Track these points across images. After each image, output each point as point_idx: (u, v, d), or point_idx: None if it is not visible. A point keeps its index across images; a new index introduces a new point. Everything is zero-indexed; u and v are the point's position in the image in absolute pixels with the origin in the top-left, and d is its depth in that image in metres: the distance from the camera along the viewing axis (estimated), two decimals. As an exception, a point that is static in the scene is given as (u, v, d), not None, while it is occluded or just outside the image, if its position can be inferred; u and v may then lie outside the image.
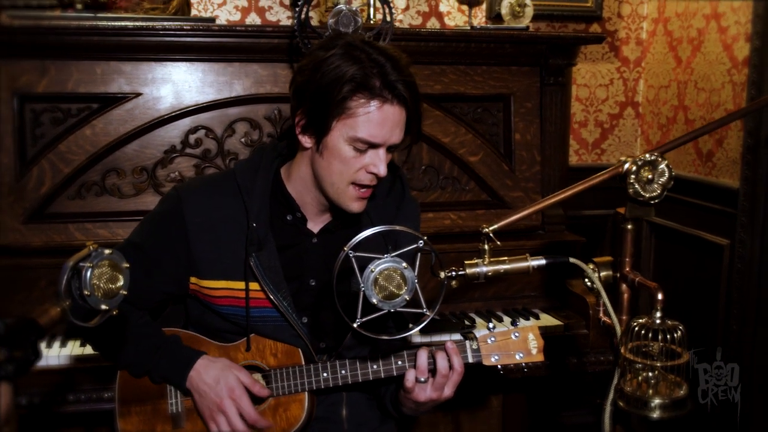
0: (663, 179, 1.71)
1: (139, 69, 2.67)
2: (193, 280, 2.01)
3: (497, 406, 3.17)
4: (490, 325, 2.00)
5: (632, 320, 1.70)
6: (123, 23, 2.58)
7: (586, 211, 3.74)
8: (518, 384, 3.06)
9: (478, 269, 1.71)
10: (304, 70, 1.89)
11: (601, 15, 3.71)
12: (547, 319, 2.81)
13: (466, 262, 1.72)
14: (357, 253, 1.64)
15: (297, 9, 2.44)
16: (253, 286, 1.97)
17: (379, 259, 1.65)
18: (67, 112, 2.65)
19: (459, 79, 2.95)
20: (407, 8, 3.54)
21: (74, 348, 2.43)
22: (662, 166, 1.70)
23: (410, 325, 1.72)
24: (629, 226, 1.80)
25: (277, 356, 1.99)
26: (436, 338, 2.62)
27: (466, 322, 2.75)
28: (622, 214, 1.78)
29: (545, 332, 2.73)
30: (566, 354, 2.76)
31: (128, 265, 1.44)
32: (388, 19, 2.47)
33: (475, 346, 1.96)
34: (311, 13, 3.34)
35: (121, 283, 1.42)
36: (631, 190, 1.71)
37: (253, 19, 3.34)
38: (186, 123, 2.73)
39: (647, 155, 1.69)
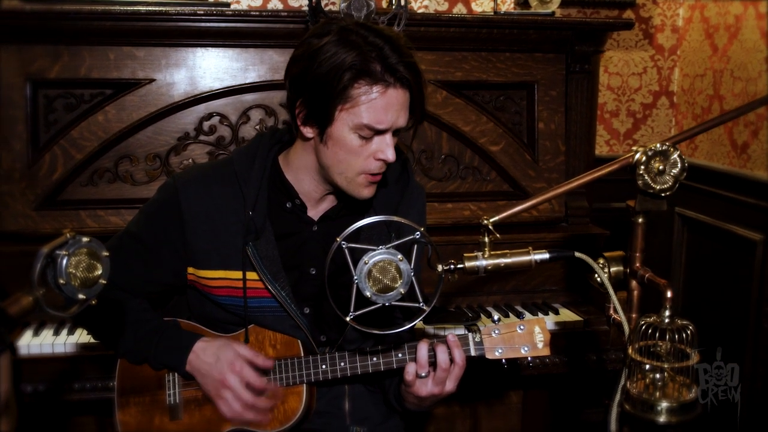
0: (675, 170, 1.62)
1: (153, 54, 2.65)
2: (190, 270, 1.97)
3: (517, 402, 3.09)
4: (495, 317, 1.93)
5: (641, 319, 1.62)
6: (136, 8, 2.56)
7: (614, 204, 3.63)
8: (538, 380, 2.98)
9: (477, 263, 1.64)
10: (298, 59, 1.84)
11: (635, 1, 3.58)
12: (567, 315, 2.73)
13: (465, 255, 1.65)
14: (351, 244, 1.59)
15: (309, -7, 2.39)
16: (251, 275, 1.93)
17: (374, 250, 1.59)
18: (80, 98, 2.63)
19: (481, 66, 2.87)
20: (433, -7, 3.47)
21: (81, 336, 2.41)
22: (674, 156, 1.61)
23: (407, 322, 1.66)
24: (639, 220, 1.71)
25: (276, 347, 1.95)
26: (449, 331, 2.55)
27: (482, 316, 2.68)
28: (632, 207, 1.70)
29: (564, 328, 2.66)
30: (586, 350, 2.68)
31: (107, 254, 1.40)
32: (402, 2, 2.40)
33: (478, 339, 1.90)
34: (334, -1, 3.29)
35: (99, 272, 1.39)
36: (640, 182, 1.62)
37: (275, 4, 3.29)
38: (200, 109, 2.70)
39: (658, 145, 1.61)
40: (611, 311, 1.83)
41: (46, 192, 2.58)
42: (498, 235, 1.63)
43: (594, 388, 2.94)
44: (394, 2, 2.99)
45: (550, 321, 2.67)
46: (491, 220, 1.64)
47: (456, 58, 2.85)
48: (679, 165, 1.62)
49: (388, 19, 2.40)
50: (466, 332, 1.92)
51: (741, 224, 3.19)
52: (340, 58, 1.75)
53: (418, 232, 1.61)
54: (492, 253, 1.66)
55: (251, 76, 2.70)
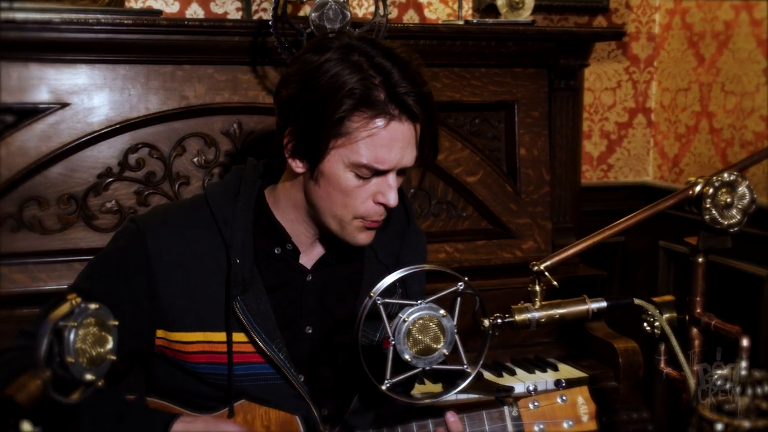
0: (743, 203, 1.73)
1: (66, 73, 2.60)
2: (160, 333, 1.95)
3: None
4: (530, 386, 1.99)
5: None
6: (46, 15, 2.50)
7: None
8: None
9: (528, 315, 1.70)
10: (290, 80, 1.87)
11: (608, 6, 3.77)
12: (568, 371, 2.82)
13: (513, 306, 1.71)
14: (386, 300, 1.62)
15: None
16: (238, 337, 1.93)
17: (412, 306, 1.62)
18: (-27, 128, 2.56)
19: (453, 83, 2.96)
20: (380, -2, 3.54)
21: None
22: (742, 187, 1.72)
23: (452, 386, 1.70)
24: (700, 260, 1.81)
25: (269, 428, 1.94)
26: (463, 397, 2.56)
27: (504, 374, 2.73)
28: (692, 245, 1.80)
29: (568, 386, 2.74)
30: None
31: (117, 323, 1.38)
32: (382, 12, 2.46)
33: (515, 413, 1.93)
34: (265, 4, 3.33)
35: (110, 345, 1.37)
36: (707, 217, 1.72)
37: (195, 11, 3.29)
38: (125, 140, 2.67)
39: (725, 175, 1.71)
40: (662, 364, 1.92)
41: (-68, 245, 2.50)
42: (555, 283, 1.70)
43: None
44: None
45: (550, 379, 2.75)
46: (543, 265, 1.71)
47: (425, 74, 2.91)
48: (747, 197, 1.73)
49: (365, 31, 2.46)
50: (501, 405, 1.95)
51: (743, 258, 3.37)
52: (337, 81, 1.78)
53: (461, 283, 1.66)
54: (543, 303, 1.72)
55: (187, 99, 2.69)
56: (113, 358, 1.38)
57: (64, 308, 1.32)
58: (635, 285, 3.94)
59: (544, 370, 2.81)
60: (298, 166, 1.88)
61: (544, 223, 3.06)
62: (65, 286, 2.44)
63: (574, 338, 2.97)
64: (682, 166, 3.79)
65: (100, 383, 1.36)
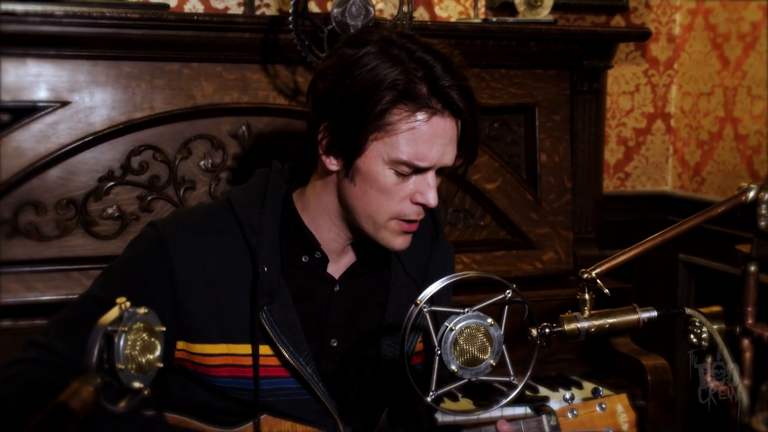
0: (799, 209, 1.79)
1: (66, 70, 2.62)
2: (180, 345, 1.98)
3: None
4: (567, 395, 2.04)
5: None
6: (48, 8, 2.52)
7: (607, 251, 3.83)
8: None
9: (578, 324, 1.75)
10: (327, 73, 1.91)
11: (627, 5, 3.85)
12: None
13: (562, 316, 1.76)
14: (432, 308, 1.66)
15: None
16: (264, 349, 1.96)
17: (459, 314, 1.67)
18: (-35, 128, 2.58)
19: (472, 85, 3.00)
20: (389, -6, 3.61)
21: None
22: (798, 193, 1.78)
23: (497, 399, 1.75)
24: (752, 268, 1.86)
25: None
26: (495, 413, 2.60)
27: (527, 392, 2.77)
28: (744, 253, 1.85)
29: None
30: (621, 432, 2.82)
31: (164, 329, 1.43)
32: (406, 9, 2.52)
33: (553, 423, 1.98)
34: (268, 0, 3.38)
35: (158, 352, 1.41)
36: (763, 223, 1.78)
37: (194, 5, 3.33)
38: (127, 141, 2.69)
39: (781, 180, 1.78)
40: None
41: None
42: (607, 291, 1.75)
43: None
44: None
45: (576, 397, 2.79)
46: (594, 272, 1.76)
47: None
48: (803, 203, 1.79)
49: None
50: (537, 414, 2.00)
51: (769, 272, 3.44)
52: (378, 74, 1.83)
53: (509, 290, 1.70)
54: (593, 312, 1.77)
55: (193, 99, 2.72)
56: (161, 365, 1.42)
57: (113, 313, 1.36)
58: (654, 300, 3.98)
59: (567, 388, 2.85)
60: (332, 164, 1.93)
61: (565, 233, 3.12)
62: (62, 296, 2.51)
63: (597, 355, 3.01)
64: (704, 174, 3.86)
65: (146, 392, 1.40)
